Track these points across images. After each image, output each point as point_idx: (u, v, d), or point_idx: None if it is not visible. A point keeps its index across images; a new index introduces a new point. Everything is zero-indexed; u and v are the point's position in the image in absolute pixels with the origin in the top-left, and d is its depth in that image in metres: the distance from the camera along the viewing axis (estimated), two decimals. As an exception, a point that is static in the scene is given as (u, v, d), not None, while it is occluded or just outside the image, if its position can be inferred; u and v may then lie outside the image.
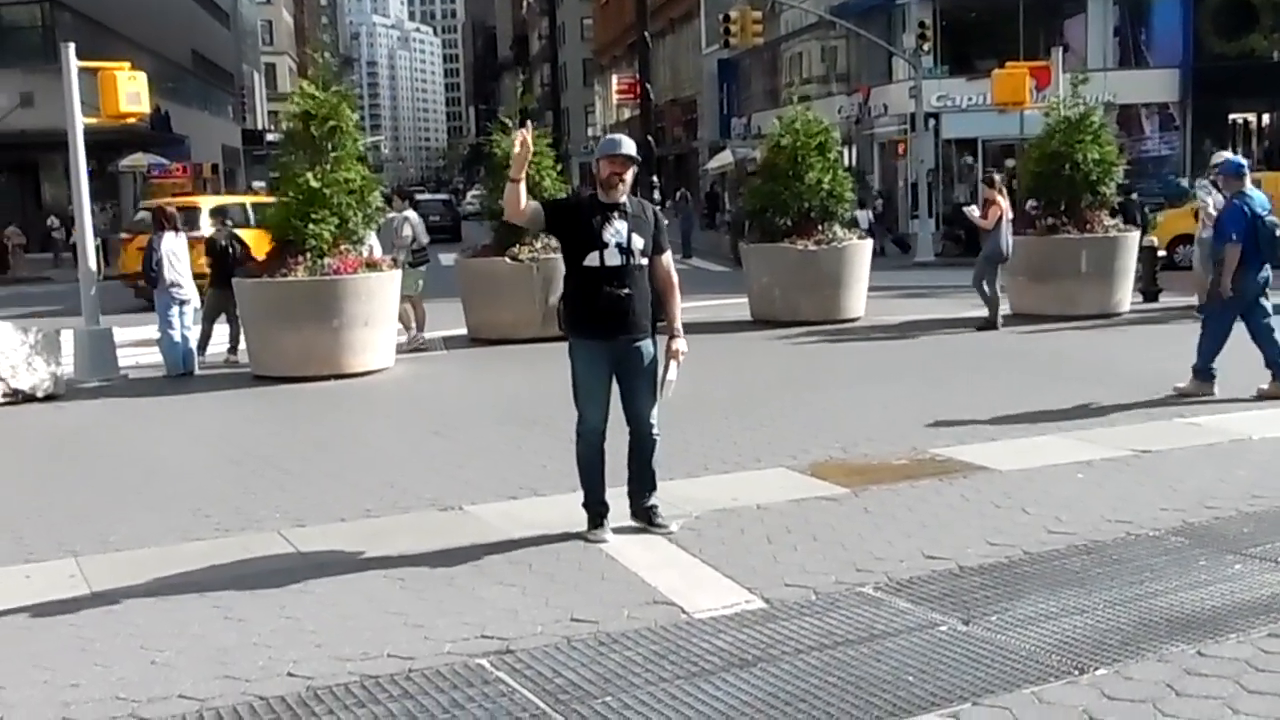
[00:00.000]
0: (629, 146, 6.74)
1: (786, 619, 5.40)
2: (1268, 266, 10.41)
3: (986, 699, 4.47)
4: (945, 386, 11.42)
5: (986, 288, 15.72)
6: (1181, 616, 5.21)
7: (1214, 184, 14.36)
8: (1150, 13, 41.56)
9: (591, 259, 6.54)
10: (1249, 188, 10.51)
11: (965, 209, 15.96)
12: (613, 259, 6.53)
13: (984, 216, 15.90)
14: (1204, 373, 10.44)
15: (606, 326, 6.58)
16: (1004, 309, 15.98)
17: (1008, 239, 15.84)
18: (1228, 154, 12.82)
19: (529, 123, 6.70)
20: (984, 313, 15.68)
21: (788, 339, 15.57)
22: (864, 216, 28.96)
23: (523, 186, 6.53)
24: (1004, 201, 15.93)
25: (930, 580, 5.84)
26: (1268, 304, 10.50)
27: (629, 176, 6.68)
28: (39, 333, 12.90)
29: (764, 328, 16.59)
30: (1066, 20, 40.43)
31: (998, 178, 16.70)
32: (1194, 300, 16.85)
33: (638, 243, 6.60)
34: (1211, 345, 10.45)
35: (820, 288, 16.83)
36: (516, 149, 6.46)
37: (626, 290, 6.56)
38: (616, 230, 6.55)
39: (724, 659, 4.96)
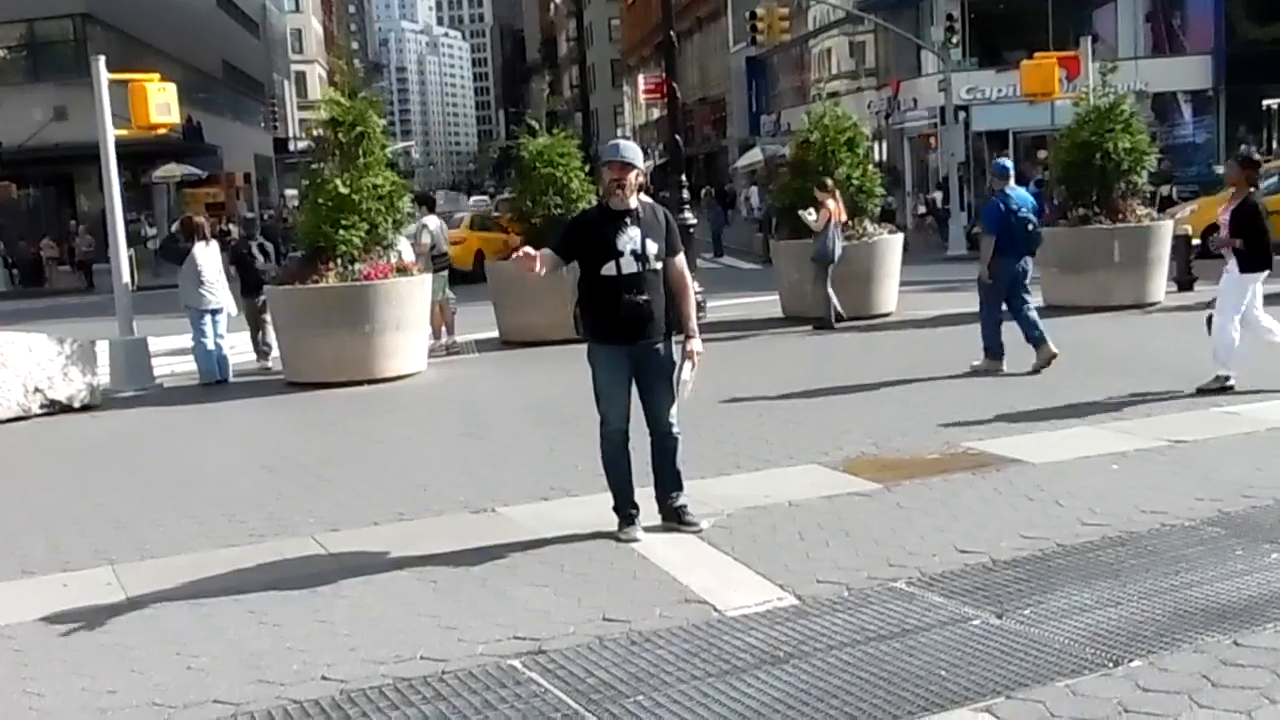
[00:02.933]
0: (628, 152, 6.77)
1: (819, 615, 5.39)
2: (1027, 257, 11.82)
3: (1020, 692, 4.44)
4: (978, 380, 11.36)
5: (818, 288, 15.96)
6: (1217, 607, 5.16)
7: None
8: (1182, -1, 41.25)
9: (608, 268, 6.58)
10: (1010, 187, 11.77)
11: (801, 213, 16.32)
12: (629, 266, 6.58)
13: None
14: (993, 350, 11.74)
15: (627, 331, 6.64)
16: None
17: (835, 242, 15.96)
18: None
19: (532, 252, 6.69)
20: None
21: (819, 335, 15.52)
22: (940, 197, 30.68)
23: (537, 264, 6.57)
24: (834, 205, 16.04)
25: (963, 574, 5.81)
26: (1027, 293, 11.86)
27: (631, 180, 6.66)
28: (75, 343, 13.03)
29: (795, 324, 16.55)
30: (1096, 9, 40.15)
31: (830, 182, 16.73)
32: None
33: (652, 248, 6.64)
34: (995, 324, 11.78)
35: (851, 283, 16.73)
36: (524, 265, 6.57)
37: (645, 296, 6.60)
38: (630, 238, 6.59)
39: (756, 656, 4.95)
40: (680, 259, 6.88)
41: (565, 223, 6.64)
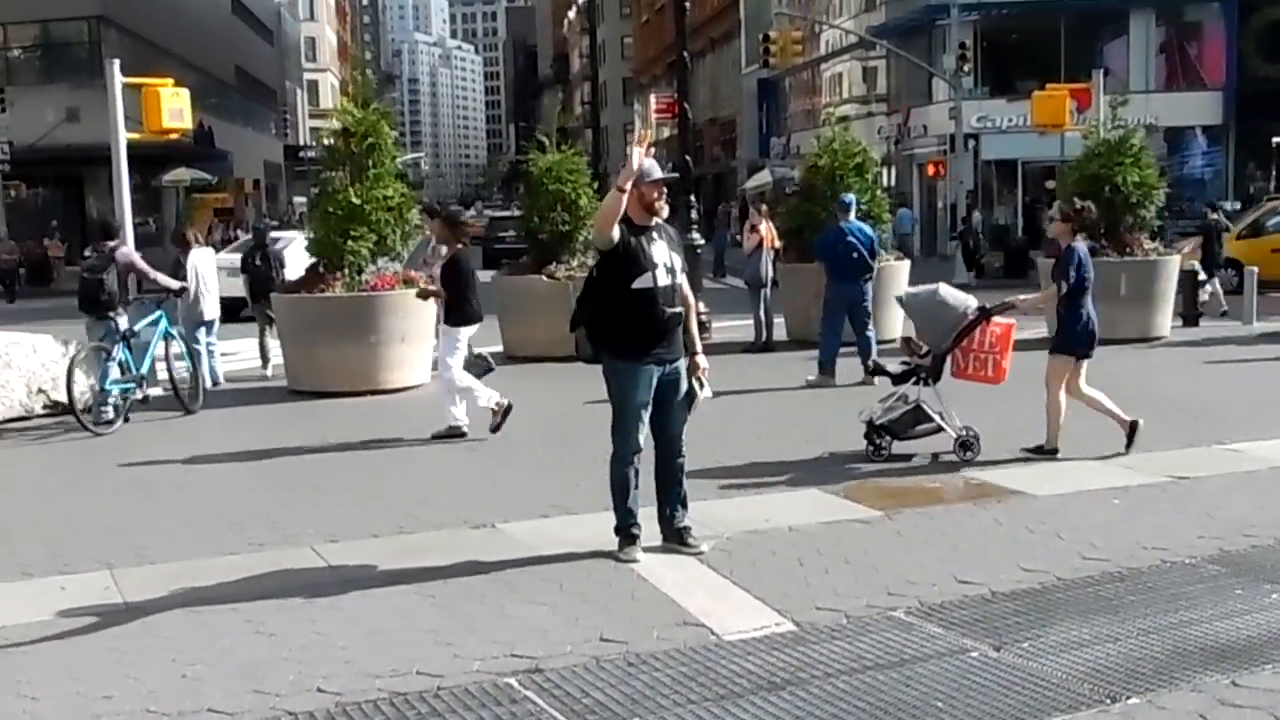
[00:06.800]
0: (662, 170, 6.86)
1: (816, 642, 5.38)
2: (867, 284, 13.27)
3: (1017, 727, 4.43)
4: (982, 409, 11.33)
5: (755, 311, 16.69)
6: (1216, 646, 5.16)
7: None
8: (1193, 35, 41.27)
9: (644, 281, 6.53)
10: (848, 220, 13.21)
11: (739, 235, 17.18)
12: (663, 279, 6.58)
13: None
14: (826, 365, 13.08)
15: (663, 347, 6.62)
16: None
17: (767, 265, 16.79)
18: None
19: (645, 131, 6.76)
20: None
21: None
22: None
23: (625, 199, 6.45)
24: (765, 229, 16.84)
25: (962, 605, 5.80)
26: (868, 306, 13.36)
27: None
28: (80, 345, 13.00)
29: (800, 348, 16.50)
30: (1109, 42, 40.20)
31: (765, 207, 17.75)
32: (1236, 325, 16.76)
33: (677, 262, 6.69)
34: (829, 342, 13.15)
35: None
36: (634, 164, 6.43)
37: (678, 309, 6.65)
38: (661, 250, 6.61)
39: (753, 682, 4.94)
40: (684, 277, 6.92)
41: None
